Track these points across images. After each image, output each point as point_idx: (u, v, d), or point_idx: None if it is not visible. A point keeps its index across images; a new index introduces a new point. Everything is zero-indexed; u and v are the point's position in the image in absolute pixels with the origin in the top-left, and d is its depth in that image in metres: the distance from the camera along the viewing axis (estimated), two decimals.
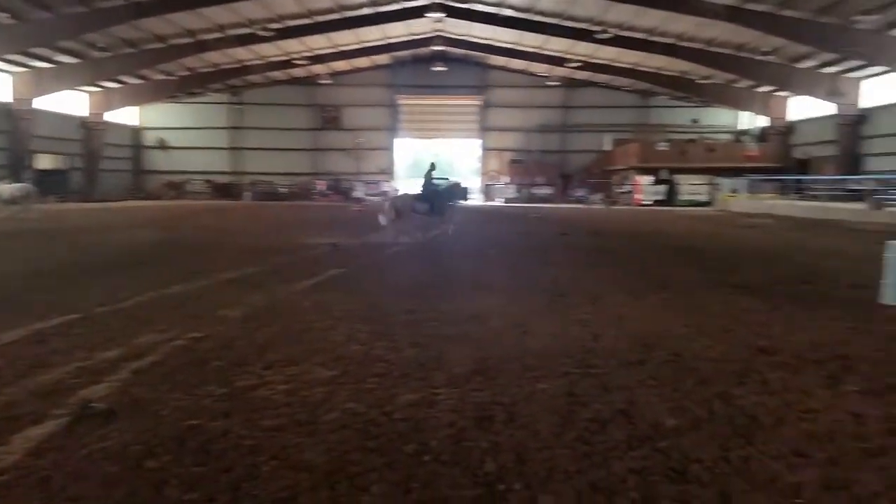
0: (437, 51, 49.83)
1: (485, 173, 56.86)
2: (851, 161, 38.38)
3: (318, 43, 44.69)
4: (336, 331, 6.72)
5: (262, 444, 3.87)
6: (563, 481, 3.41)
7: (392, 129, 56.61)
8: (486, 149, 57.16)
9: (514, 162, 55.08)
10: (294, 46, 44.53)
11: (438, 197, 17.59)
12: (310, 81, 53.92)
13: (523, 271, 11.73)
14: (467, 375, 5.24)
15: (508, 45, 46.62)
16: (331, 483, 3.42)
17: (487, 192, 54.44)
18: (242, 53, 44.16)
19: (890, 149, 36.10)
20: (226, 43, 39.77)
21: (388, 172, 56.25)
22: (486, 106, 55.96)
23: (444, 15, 39.50)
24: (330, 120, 55.68)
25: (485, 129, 56.64)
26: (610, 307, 8.22)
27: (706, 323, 7.28)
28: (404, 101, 55.90)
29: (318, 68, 51.01)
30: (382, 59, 52.62)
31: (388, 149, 57.03)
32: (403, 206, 16.95)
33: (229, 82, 51.40)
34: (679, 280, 10.56)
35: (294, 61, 47.02)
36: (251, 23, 37.78)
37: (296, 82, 54.19)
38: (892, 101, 35.84)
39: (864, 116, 38.24)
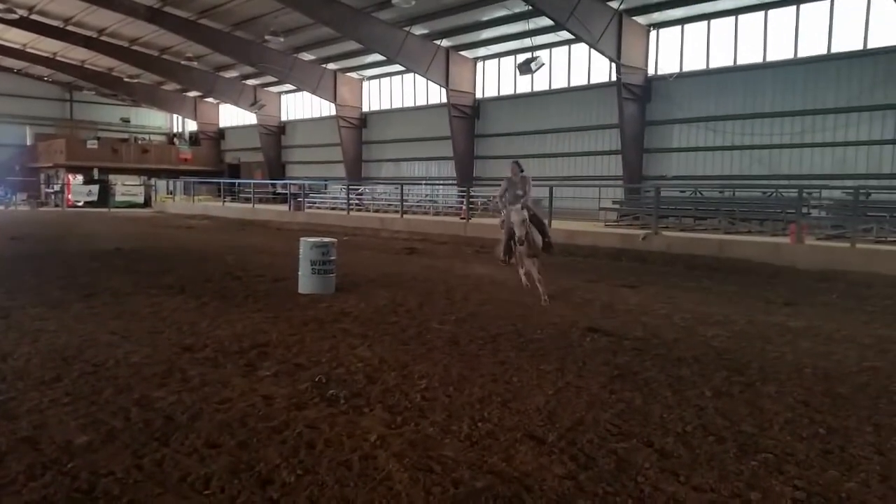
0: None
1: None
2: (276, 167, 42.83)
3: None
4: None
5: None
6: None
7: None
8: None
9: None
10: None
11: None
12: None
13: None
14: None
15: None
16: None
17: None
18: None
19: (306, 158, 41.63)
20: None
21: None
22: None
23: None
24: None
25: None
26: (25, 322, 7.27)
27: (133, 328, 7.05)
28: None
29: None
30: None
31: None
32: None
33: None
34: (109, 285, 9.99)
35: None
36: None
37: None
38: (305, 116, 41.32)
39: (284, 127, 43.09)
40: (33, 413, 4.40)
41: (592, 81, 26.74)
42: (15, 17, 32.36)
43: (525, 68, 25.36)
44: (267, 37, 29.67)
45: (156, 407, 4.53)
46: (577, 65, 27.35)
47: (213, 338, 6.64)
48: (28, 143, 47.48)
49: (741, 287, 11.25)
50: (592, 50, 24.43)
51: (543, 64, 25.85)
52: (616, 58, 23.59)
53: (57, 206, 40.63)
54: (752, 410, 4.73)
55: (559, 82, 28.00)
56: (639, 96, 24.36)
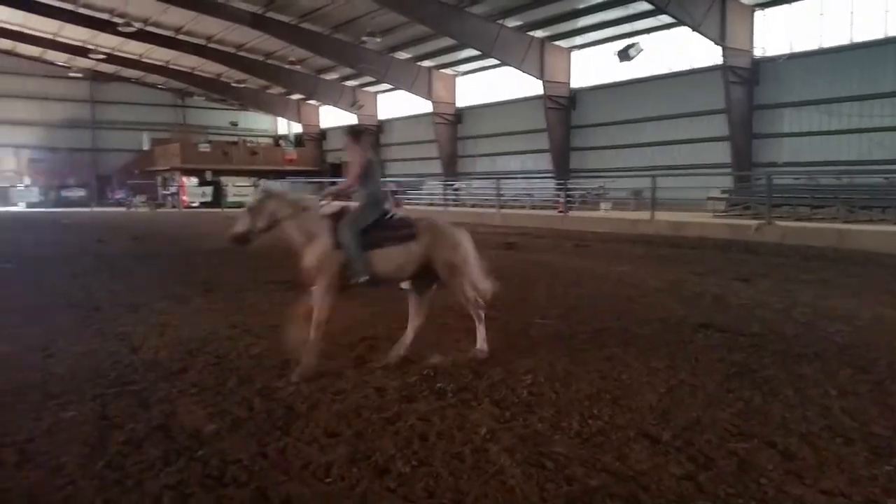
0: None
1: None
2: None
3: None
4: None
5: None
6: None
7: None
8: None
9: (34, 161, 48.03)
10: None
11: None
12: None
13: (49, 285, 10.28)
14: None
15: (14, 28, 40.21)
16: None
17: (3, 195, 46.42)
18: None
19: (403, 155, 42.38)
20: None
21: None
22: None
23: None
24: None
25: None
26: (152, 316, 7.76)
27: (252, 322, 7.40)
28: None
29: None
30: None
31: None
32: None
33: None
34: (227, 281, 10.54)
35: None
36: None
37: None
38: (401, 115, 41.99)
39: (381, 126, 44.01)
40: (164, 402, 4.69)
41: (694, 66, 25.78)
42: (133, 29, 34.68)
43: (624, 55, 24.79)
44: (364, 38, 30.39)
45: (276, 397, 4.75)
46: (677, 49, 26.43)
47: (325, 331, 6.85)
48: (145, 147, 50.70)
49: (864, 279, 10.54)
50: (694, 33, 23.56)
51: (643, 50, 25.17)
52: (720, 40, 22.66)
53: (174, 207, 43.21)
54: (883, 411, 4.43)
55: (659, 68, 27.16)
56: (746, 79, 23.30)
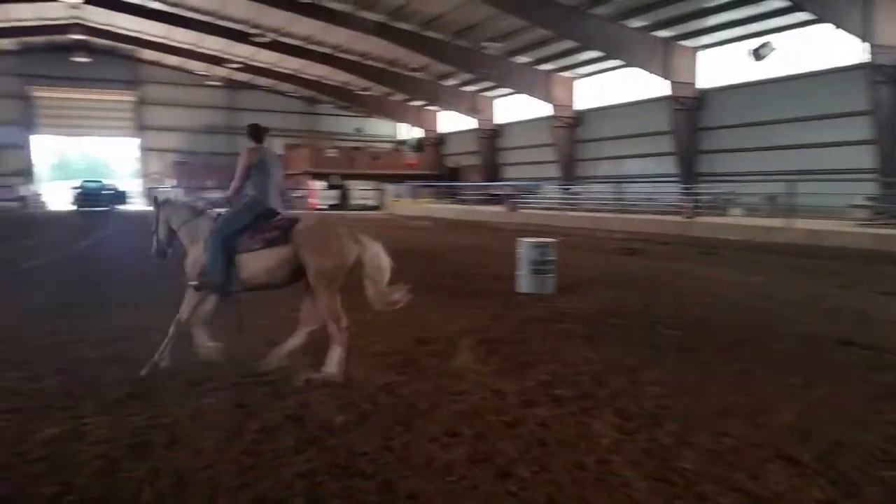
0: (78, 40, 44.25)
1: (146, 175, 52.53)
2: (491, 169, 43.99)
3: None
4: None
5: None
6: (227, 497, 3.26)
7: (27, 125, 48.99)
8: (145, 149, 52.88)
9: (178, 163, 51.90)
10: None
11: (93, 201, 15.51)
12: None
13: None
14: (122, 399, 4.75)
15: (160, 40, 43.66)
16: None
17: (151, 196, 50.61)
18: None
19: (520, 159, 42.25)
20: None
21: (25, 174, 48.56)
22: (142, 103, 51.76)
23: (81, 0, 35.45)
24: None
25: (143, 128, 52.32)
26: (287, 311, 8.13)
27: (372, 320, 7.59)
28: (41, 93, 48.75)
29: None
30: (6, 43, 45.17)
31: (23, 147, 49.23)
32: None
33: None
34: (350, 281, 10.88)
35: None
36: None
37: None
38: (520, 119, 41.87)
39: (498, 131, 44.11)
40: (298, 393, 4.90)
41: (833, 65, 24.01)
42: (267, 40, 36.68)
43: (757, 54, 23.53)
44: (484, 43, 30.53)
45: (398, 393, 4.87)
46: (812, 48, 24.72)
47: (444, 332, 6.96)
48: (277, 152, 53.55)
49: None
50: (829, 31, 21.95)
51: (775, 49, 23.83)
52: (866, 37, 20.99)
53: (303, 209, 45.22)
54: None
55: (792, 67, 25.50)
56: (894, 78, 21.43)
